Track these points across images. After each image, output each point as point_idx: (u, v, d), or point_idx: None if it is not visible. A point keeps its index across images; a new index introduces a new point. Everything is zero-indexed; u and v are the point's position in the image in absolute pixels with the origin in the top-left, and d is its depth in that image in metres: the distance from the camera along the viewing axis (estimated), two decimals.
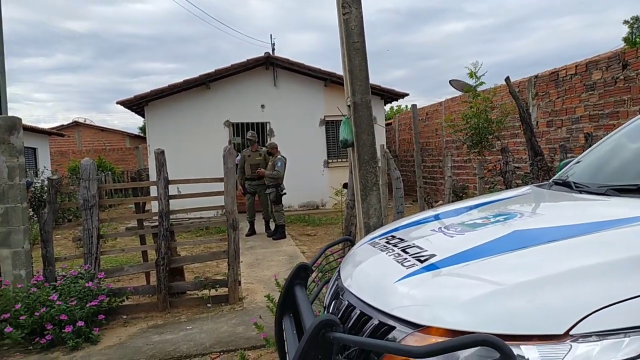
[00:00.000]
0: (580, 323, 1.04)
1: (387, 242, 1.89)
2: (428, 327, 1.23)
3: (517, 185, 4.75)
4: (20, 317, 3.75)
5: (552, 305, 1.12)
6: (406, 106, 23.74)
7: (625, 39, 21.36)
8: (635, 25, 22.23)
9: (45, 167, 13.28)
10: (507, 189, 4.72)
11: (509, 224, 1.65)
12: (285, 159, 8.24)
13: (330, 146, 11.85)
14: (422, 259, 1.52)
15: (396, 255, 1.66)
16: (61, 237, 8.97)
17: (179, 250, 5.50)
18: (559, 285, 1.17)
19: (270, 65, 11.28)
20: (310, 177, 11.27)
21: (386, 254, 1.73)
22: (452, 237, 1.68)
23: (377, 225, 3.82)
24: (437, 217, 2.14)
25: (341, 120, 12.55)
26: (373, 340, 1.23)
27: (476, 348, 1.02)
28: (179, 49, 70.99)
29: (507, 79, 5.55)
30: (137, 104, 10.94)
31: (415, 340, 1.23)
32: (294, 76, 11.52)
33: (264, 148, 8.78)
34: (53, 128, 21.92)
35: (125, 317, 4.45)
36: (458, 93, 11.85)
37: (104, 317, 4.11)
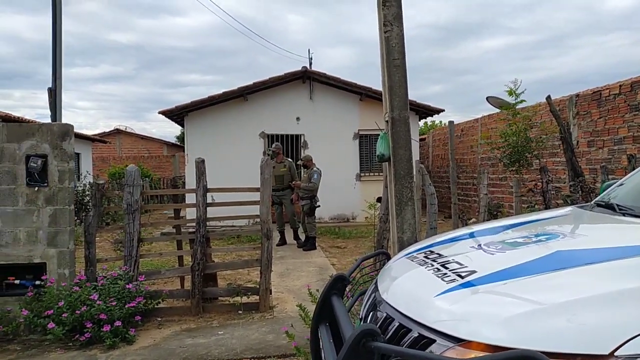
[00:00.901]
0: (626, 345, 1.04)
1: (425, 257, 1.90)
2: (469, 341, 1.24)
3: (557, 206, 4.65)
4: (63, 315, 3.91)
5: (596, 325, 1.12)
6: (440, 122, 23.57)
7: None
8: None
9: (87, 172, 13.83)
10: (546, 209, 4.63)
11: (550, 245, 1.65)
12: (320, 171, 8.32)
13: (363, 160, 11.88)
14: (462, 274, 1.53)
15: (435, 270, 1.68)
16: (99, 239, 9.29)
17: (212, 257, 5.61)
18: (603, 306, 1.17)
19: (307, 79, 11.45)
20: (342, 190, 11.30)
21: (425, 268, 1.75)
22: (492, 254, 1.69)
23: (410, 240, 3.82)
24: (475, 235, 2.14)
25: (376, 134, 12.66)
26: (416, 351, 1.26)
27: None
28: (218, 61, 72.88)
29: (548, 98, 5.46)
30: (177, 114, 11.30)
31: (456, 354, 1.25)
32: (329, 90, 11.65)
33: (288, 159, 8.91)
34: (95, 135, 22.82)
35: (159, 319, 4.58)
36: (495, 110, 11.71)
37: (140, 318, 4.24)
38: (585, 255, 1.48)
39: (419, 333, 1.39)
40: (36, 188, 4.32)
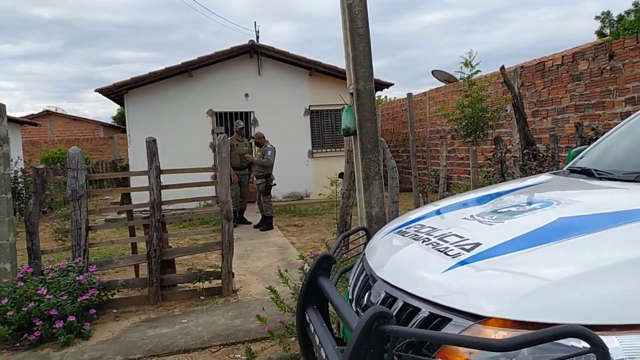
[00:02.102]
0: None
1: (417, 231, 1.83)
2: (489, 318, 1.18)
3: (512, 175, 4.78)
4: (7, 313, 3.56)
5: (628, 294, 1.08)
6: (386, 97, 23.79)
7: (598, 33, 21.90)
8: (608, 20, 22.80)
9: (19, 157, 12.76)
10: (503, 178, 4.74)
11: (549, 211, 1.61)
12: (274, 148, 8.13)
13: (314, 136, 11.75)
14: (466, 247, 1.47)
15: (435, 244, 1.60)
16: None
17: (168, 242, 5.34)
18: (631, 273, 1.13)
19: (254, 53, 11.07)
20: (294, 167, 11.15)
21: (422, 242, 1.68)
22: (490, 225, 1.63)
23: (379, 215, 3.78)
24: (460, 206, 2.10)
25: (326, 110, 12.52)
26: (440, 333, 1.17)
27: (563, 340, 0.97)
28: (154, 37, 69.30)
29: (502, 69, 5.56)
30: (116, 92, 10.59)
31: (476, 332, 1.18)
32: (278, 65, 11.34)
33: (245, 139, 8.72)
34: (24, 117, 21.10)
35: (115, 311, 4.30)
36: (440, 83, 11.93)
37: (95, 311, 3.96)
38: (589, 222, 1.45)
39: (429, 312, 1.31)
40: None
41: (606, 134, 2.60)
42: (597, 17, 22.92)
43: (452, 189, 9.05)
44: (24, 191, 10.07)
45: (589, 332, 0.91)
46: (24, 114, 23.91)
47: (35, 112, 24.81)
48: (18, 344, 3.61)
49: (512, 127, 7.66)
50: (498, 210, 1.79)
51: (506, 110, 7.83)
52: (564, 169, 2.52)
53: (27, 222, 4.17)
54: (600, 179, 2.05)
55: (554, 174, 2.48)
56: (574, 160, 2.59)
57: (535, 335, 0.94)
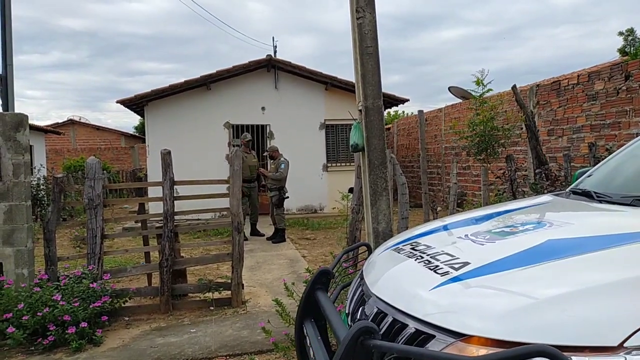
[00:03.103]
0: (635, 335, 1.03)
1: (412, 249, 1.87)
2: (471, 336, 1.22)
3: (524, 194, 4.77)
4: (23, 317, 3.69)
5: (602, 316, 1.11)
6: (403, 112, 23.82)
7: (620, 51, 21.61)
8: (630, 38, 22.51)
9: (41, 165, 13.15)
10: (513, 197, 4.74)
11: (540, 233, 1.65)
12: (288, 162, 8.24)
13: (329, 150, 11.85)
14: (455, 266, 1.51)
15: (426, 262, 1.65)
16: (57, 236, 8.86)
17: (181, 252, 5.45)
18: (608, 296, 1.16)
19: (271, 67, 11.26)
20: (309, 180, 11.24)
21: (415, 260, 1.72)
22: (482, 245, 1.67)
23: (385, 231, 3.82)
24: (458, 225, 2.13)
25: (342, 124, 12.61)
26: (419, 349, 1.22)
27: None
28: (176, 49, 70.80)
29: (514, 87, 5.57)
30: (137, 104, 10.87)
31: (458, 349, 1.22)
32: (295, 79, 11.51)
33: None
34: (48, 126, 21.73)
35: (127, 318, 4.40)
36: (457, 100, 11.92)
37: (107, 318, 4.06)
38: (578, 244, 1.48)
39: (415, 328, 1.35)
40: None
41: (610, 156, 2.61)
42: (620, 33, 22.63)
43: (465, 205, 9.01)
44: (45, 198, 10.36)
45: (557, 352, 0.94)
46: (49, 123, 24.66)
47: (60, 121, 25.52)
48: (32, 348, 3.73)
49: (528, 146, 7.63)
50: (492, 231, 1.83)
51: (521, 129, 7.81)
52: (567, 190, 2.54)
53: (45, 230, 4.32)
54: (600, 201, 2.07)
55: (556, 195, 2.50)
56: (577, 181, 2.60)
57: (506, 353, 0.98)
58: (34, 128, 15.62)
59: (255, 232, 8.68)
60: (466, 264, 1.50)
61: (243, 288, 4.89)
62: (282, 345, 3.21)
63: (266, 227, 8.99)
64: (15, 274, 4.06)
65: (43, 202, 10.25)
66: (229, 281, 4.75)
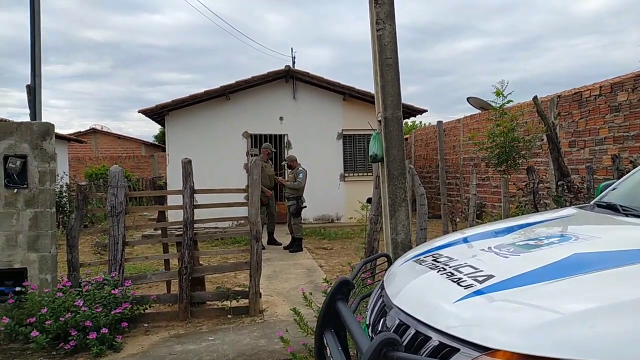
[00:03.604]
0: None
1: (434, 260, 1.86)
2: (496, 350, 1.20)
3: (546, 206, 4.70)
4: (46, 322, 3.76)
5: (630, 333, 1.09)
6: (420, 122, 23.74)
7: None
8: None
9: (64, 172, 13.43)
10: (535, 209, 4.67)
11: (566, 247, 1.62)
12: (306, 171, 8.28)
13: (347, 160, 11.85)
14: (479, 279, 1.50)
15: (449, 274, 1.63)
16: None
17: (199, 260, 5.50)
18: (636, 312, 1.14)
19: (290, 78, 11.37)
20: (326, 190, 11.25)
21: (437, 272, 1.71)
22: (506, 257, 1.65)
23: (405, 242, 3.80)
24: (481, 237, 2.11)
25: (359, 134, 12.61)
26: None
27: None
28: (195, 60, 71.96)
29: (535, 98, 5.52)
30: (158, 113, 11.07)
31: None
32: (313, 89, 11.59)
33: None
34: (71, 134, 22.24)
35: (146, 325, 4.44)
36: (475, 110, 11.84)
37: (127, 324, 4.11)
38: (605, 259, 1.46)
39: (439, 341, 1.34)
40: (15, 190, 4.14)
41: (635, 168, 2.56)
42: None
43: (484, 217, 8.90)
44: (67, 205, 10.57)
45: None
46: (71, 131, 25.18)
47: (83, 130, 26.08)
48: (54, 352, 3.79)
49: (549, 157, 7.53)
50: (516, 243, 1.81)
51: (542, 140, 7.71)
52: (591, 203, 2.50)
53: (68, 236, 4.41)
54: (626, 214, 2.03)
55: (580, 207, 2.46)
56: (602, 194, 2.56)
57: None
58: (57, 136, 16.01)
59: (272, 241, 8.71)
60: (490, 276, 1.49)
61: (260, 297, 4.90)
62: (300, 355, 3.21)
63: (283, 236, 9.01)
64: (39, 279, 4.14)
65: (65, 209, 10.45)
66: (247, 290, 4.77)
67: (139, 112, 10.92)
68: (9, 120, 11.77)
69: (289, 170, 8.76)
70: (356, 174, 11.85)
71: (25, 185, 4.15)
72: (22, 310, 3.90)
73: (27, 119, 5.35)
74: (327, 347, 1.87)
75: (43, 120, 5.40)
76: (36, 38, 5.06)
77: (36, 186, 4.17)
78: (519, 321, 1.26)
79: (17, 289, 4.04)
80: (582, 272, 1.38)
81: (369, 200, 5.25)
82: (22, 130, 4.20)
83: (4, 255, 4.10)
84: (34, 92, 5.08)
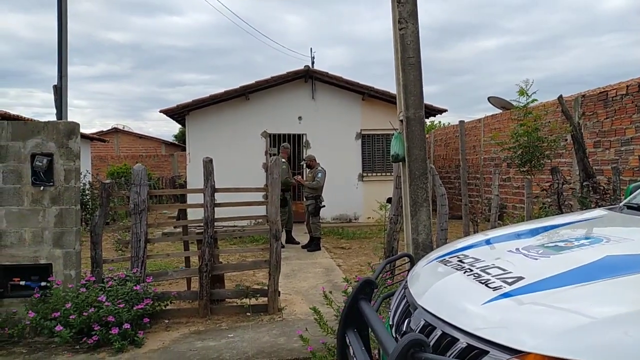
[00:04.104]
0: None
1: (460, 261, 1.84)
2: (527, 353, 1.18)
3: (570, 207, 4.60)
4: (70, 317, 3.82)
5: None
6: (440, 122, 23.52)
7: None
8: None
9: (87, 171, 13.69)
10: (560, 210, 4.57)
11: (597, 249, 1.58)
12: (325, 171, 8.27)
13: (365, 160, 11.81)
14: (508, 281, 1.47)
15: (476, 275, 1.61)
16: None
17: (219, 258, 5.53)
18: None
19: (309, 78, 11.37)
20: (344, 190, 11.23)
21: (463, 273, 1.68)
22: (535, 259, 1.62)
23: (425, 242, 3.76)
24: (508, 238, 2.08)
25: (378, 134, 12.55)
26: None
27: None
28: (214, 60, 72.68)
29: (560, 98, 5.40)
30: (178, 113, 11.20)
31: None
32: (331, 89, 11.58)
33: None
34: (93, 134, 22.65)
35: (167, 321, 4.49)
36: (497, 110, 11.67)
37: (148, 320, 4.16)
38: (639, 261, 1.41)
39: (467, 343, 1.32)
40: (42, 187, 4.23)
41: None
42: None
43: (505, 218, 8.76)
44: (90, 203, 10.76)
45: None
46: (93, 131, 25.69)
47: (104, 129, 26.56)
48: (77, 347, 3.85)
49: (573, 158, 7.37)
50: (545, 245, 1.77)
51: (566, 140, 7.55)
52: (621, 204, 2.43)
53: (92, 233, 4.49)
54: None
55: (609, 209, 2.40)
56: (632, 195, 2.49)
57: None
58: (81, 136, 16.32)
59: (290, 240, 8.73)
60: (520, 278, 1.46)
61: (279, 295, 4.91)
62: (319, 354, 3.20)
63: (301, 235, 9.02)
64: (64, 274, 4.22)
65: (88, 206, 10.64)
66: (266, 288, 4.79)
67: (160, 111, 11.06)
68: (34, 120, 12.05)
69: (308, 170, 8.77)
70: (374, 174, 11.80)
71: (51, 183, 4.23)
72: (47, 304, 3.98)
73: (51, 118, 5.47)
74: (350, 347, 1.86)
75: (68, 119, 5.52)
76: (63, 40, 5.17)
77: (62, 184, 4.25)
78: (551, 324, 1.23)
79: (43, 284, 4.13)
80: (615, 275, 1.34)
81: (389, 200, 5.21)
82: (49, 129, 4.28)
83: (30, 251, 4.20)
84: (60, 92, 5.18)
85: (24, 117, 12.65)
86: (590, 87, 7.99)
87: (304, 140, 11.57)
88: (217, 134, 11.05)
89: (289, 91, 11.44)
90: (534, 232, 2.05)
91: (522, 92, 6.00)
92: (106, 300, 3.94)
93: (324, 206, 8.33)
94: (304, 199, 8.52)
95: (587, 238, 1.74)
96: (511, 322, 1.29)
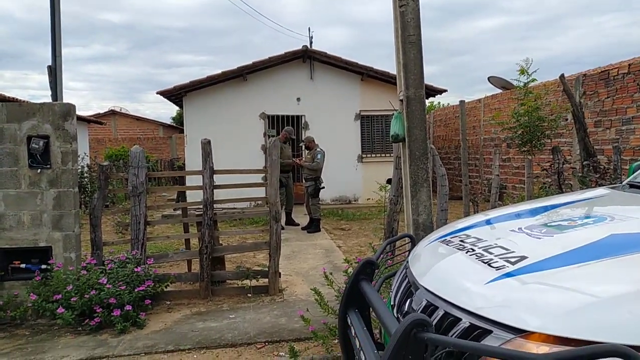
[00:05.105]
0: None
1: (462, 241, 1.82)
2: (531, 332, 1.17)
3: (571, 187, 4.59)
4: (72, 299, 3.83)
5: None
6: (439, 103, 23.35)
7: None
8: None
9: (85, 153, 13.63)
10: (560, 190, 4.56)
11: (601, 227, 1.57)
12: (324, 152, 8.24)
13: (364, 141, 11.75)
14: (511, 260, 1.45)
15: (479, 255, 1.60)
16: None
17: (219, 240, 5.54)
18: None
19: (307, 58, 11.24)
20: (343, 171, 11.21)
21: (465, 253, 1.67)
22: (539, 238, 1.60)
23: (426, 222, 3.76)
24: (509, 217, 2.06)
25: (377, 115, 12.46)
26: (478, 344, 1.18)
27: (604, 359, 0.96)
28: (210, 41, 71.76)
29: (562, 77, 5.34)
30: (176, 94, 11.09)
31: (517, 346, 1.18)
32: (330, 70, 11.45)
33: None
34: (90, 116, 22.48)
35: (168, 302, 4.52)
36: (496, 90, 11.58)
37: (150, 302, 4.18)
38: None
39: (470, 323, 1.31)
40: (39, 170, 4.20)
41: None
42: None
43: (505, 198, 8.77)
44: (88, 185, 10.74)
45: (634, 353, 0.89)
46: (91, 113, 25.43)
47: (102, 112, 26.33)
48: (80, 328, 3.88)
49: (573, 137, 7.33)
50: (548, 224, 1.76)
51: (566, 120, 7.51)
52: (623, 183, 2.41)
53: (91, 216, 4.47)
54: None
55: (612, 188, 2.38)
56: (635, 174, 2.47)
57: (576, 352, 0.93)
58: (78, 118, 16.20)
59: (290, 222, 8.74)
60: (523, 258, 1.44)
61: (280, 276, 4.93)
62: (320, 334, 3.22)
63: (301, 216, 9.03)
64: (64, 257, 4.22)
65: (87, 189, 10.62)
66: (266, 269, 4.80)
67: (157, 93, 10.95)
68: (30, 102, 11.91)
69: (307, 151, 8.73)
70: (374, 155, 11.76)
71: (48, 166, 4.20)
72: (48, 287, 3.99)
73: (47, 101, 5.40)
74: (352, 327, 1.86)
75: (64, 101, 5.44)
76: (56, 18, 5.07)
77: (59, 166, 4.22)
78: (555, 303, 1.22)
79: (43, 266, 4.13)
80: (620, 254, 1.33)
81: (389, 181, 5.19)
82: (44, 111, 4.23)
83: (29, 234, 4.19)
84: (54, 73, 5.10)
85: (20, 100, 12.53)
86: (590, 67, 7.90)
87: (303, 121, 11.50)
88: (215, 116, 10.96)
89: (287, 72, 11.31)
90: (536, 212, 2.03)
91: (522, 71, 5.93)
92: (107, 282, 3.94)
93: (323, 187, 8.31)
94: (303, 181, 8.50)
95: (590, 217, 1.72)
96: (515, 302, 1.28)
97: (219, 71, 10.81)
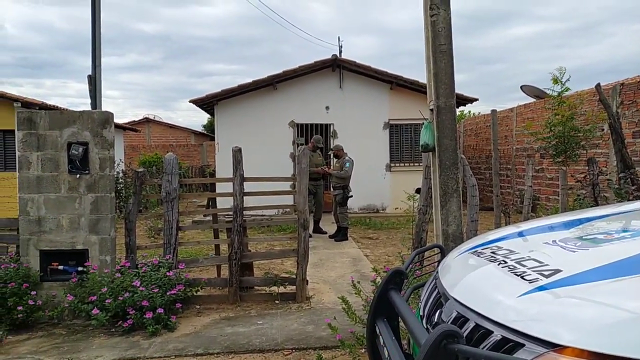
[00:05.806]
0: None
1: (493, 253, 1.80)
2: (565, 346, 1.15)
3: (606, 199, 4.45)
4: (106, 301, 3.96)
5: None
6: (469, 112, 23.03)
7: None
8: None
9: (120, 160, 14.06)
10: (595, 202, 4.43)
11: (639, 242, 1.53)
12: (352, 160, 8.25)
13: (393, 150, 11.70)
14: (545, 273, 1.43)
15: (511, 267, 1.58)
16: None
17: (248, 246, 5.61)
18: None
19: (336, 67, 11.30)
20: (371, 180, 11.18)
21: (497, 265, 1.66)
22: (573, 252, 1.57)
23: (456, 233, 3.71)
24: (543, 230, 2.03)
25: (406, 124, 12.38)
26: (511, 358, 1.17)
27: None
28: (241, 50, 73.06)
29: (598, 86, 5.20)
30: (208, 103, 11.34)
31: None
32: (359, 78, 11.48)
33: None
34: (125, 123, 23.17)
35: (198, 307, 4.60)
36: (529, 99, 11.35)
37: (180, 305, 4.27)
38: None
39: (502, 335, 1.30)
40: (78, 175, 4.37)
41: None
42: None
43: (538, 210, 8.56)
44: (123, 191, 11.07)
45: None
46: (125, 121, 26.19)
47: (136, 119, 27.12)
48: (113, 330, 3.99)
49: (609, 148, 7.12)
50: (583, 237, 1.72)
51: (602, 130, 7.29)
52: None
53: (126, 220, 4.61)
54: None
55: None
56: None
57: None
58: (114, 125, 16.73)
59: (318, 230, 8.76)
60: (557, 271, 1.42)
61: (307, 284, 4.95)
62: (348, 342, 3.22)
63: (328, 225, 9.05)
64: (99, 260, 4.37)
65: (121, 194, 10.95)
66: (294, 276, 4.83)
67: (190, 101, 11.22)
68: (70, 110, 12.39)
69: (336, 160, 8.75)
70: (402, 164, 11.69)
71: (86, 171, 4.37)
72: (84, 288, 4.13)
73: (86, 108, 5.62)
74: (380, 336, 1.86)
75: (102, 109, 5.66)
76: (97, 30, 5.29)
77: (97, 172, 4.38)
78: (590, 318, 1.19)
79: (80, 268, 4.29)
80: None
81: (418, 191, 5.16)
82: (84, 118, 4.41)
83: (67, 237, 4.35)
84: (94, 82, 5.32)
85: (60, 107, 13.05)
86: (628, 76, 7.66)
87: (332, 130, 11.55)
88: (246, 124, 11.14)
89: (316, 81, 11.41)
90: (570, 224, 1.99)
91: (555, 81, 5.80)
92: (140, 285, 4.05)
93: (351, 196, 8.31)
94: (332, 189, 8.52)
95: (628, 230, 1.68)
96: (548, 315, 1.26)
97: (249, 80, 11.01)
